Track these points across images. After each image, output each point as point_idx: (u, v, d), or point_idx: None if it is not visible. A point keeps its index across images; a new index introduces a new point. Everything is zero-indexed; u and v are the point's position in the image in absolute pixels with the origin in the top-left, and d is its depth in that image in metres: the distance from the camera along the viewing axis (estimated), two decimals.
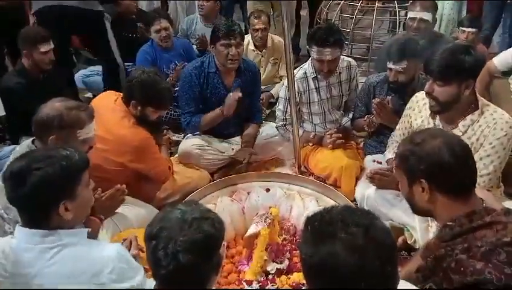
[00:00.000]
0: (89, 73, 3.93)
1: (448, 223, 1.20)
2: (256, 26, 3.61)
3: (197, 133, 2.78)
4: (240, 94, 2.57)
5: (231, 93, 2.60)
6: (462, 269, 1.09)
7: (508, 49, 3.19)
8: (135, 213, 2.04)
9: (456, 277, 1.09)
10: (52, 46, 2.76)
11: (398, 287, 0.97)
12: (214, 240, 1.09)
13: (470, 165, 1.22)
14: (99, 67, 3.73)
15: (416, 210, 1.32)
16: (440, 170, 1.19)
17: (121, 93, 2.26)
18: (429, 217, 1.89)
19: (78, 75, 3.90)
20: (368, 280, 0.81)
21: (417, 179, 1.22)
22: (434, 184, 1.21)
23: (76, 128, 1.67)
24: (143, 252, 1.55)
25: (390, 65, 2.33)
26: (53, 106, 1.68)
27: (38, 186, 1.21)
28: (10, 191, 1.25)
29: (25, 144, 1.74)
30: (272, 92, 3.72)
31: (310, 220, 0.92)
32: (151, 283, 1.20)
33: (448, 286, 1.11)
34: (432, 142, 1.21)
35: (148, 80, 2.16)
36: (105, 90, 3.19)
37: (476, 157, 1.86)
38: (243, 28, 3.38)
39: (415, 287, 1.08)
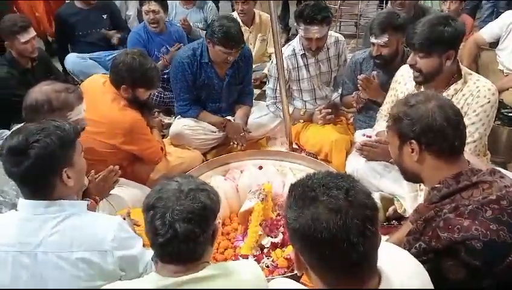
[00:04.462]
0: (78, 60, 3.65)
1: (436, 185, 1.23)
2: None
3: None
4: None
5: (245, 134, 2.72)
6: (450, 227, 1.13)
7: (495, 20, 3.21)
8: (130, 194, 2.06)
9: (444, 234, 1.13)
10: (33, 34, 2.71)
11: (386, 250, 1.01)
12: (209, 210, 1.11)
13: (461, 129, 1.25)
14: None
15: (405, 172, 1.35)
16: (432, 132, 1.21)
17: (108, 76, 2.25)
18: (417, 186, 1.94)
19: (67, 61, 3.64)
20: (349, 239, 0.84)
21: (408, 140, 1.25)
22: (425, 146, 1.23)
23: (66, 111, 1.68)
24: (138, 225, 1.58)
25: (372, 39, 2.36)
26: (41, 90, 1.68)
27: (41, 157, 1.25)
28: (12, 167, 1.27)
29: None
30: (264, 71, 3.67)
31: (293, 187, 0.94)
32: (150, 252, 1.24)
33: (437, 243, 1.15)
34: (426, 104, 1.24)
35: (134, 62, 2.15)
36: None
37: None
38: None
39: (400, 249, 1.11)
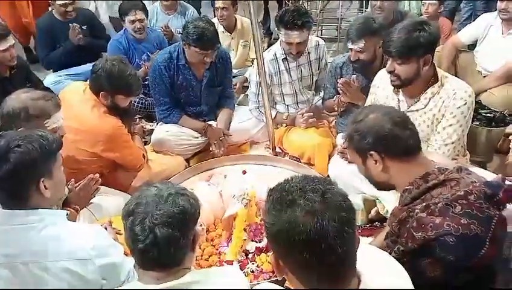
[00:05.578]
0: (57, 79, 3.51)
1: (406, 187, 1.27)
2: (217, 5, 3.55)
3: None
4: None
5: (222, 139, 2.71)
6: (423, 225, 1.16)
7: (472, 23, 3.27)
8: (111, 202, 2.04)
9: (418, 234, 1.16)
10: (11, 42, 2.65)
11: (367, 252, 1.01)
12: (189, 214, 1.11)
13: (410, 128, 1.30)
14: (68, 71, 3.55)
15: (376, 184, 1.39)
16: (385, 138, 1.27)
17: (88, 83, 2.22)
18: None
19: (45, 82, 3.36)
20: (327, 241, 0.84)
21: (367, 153, 1.30)
22: (383, 153, 1.29)
23: (44, 119, 1.66)
24: (120, 234, 1.56)
25: (349, 45, 2.38)
26: (18, 98, 1.66)
27: (21, 162, 1.24)
28: None
29: None
30: (245, 75, 3.68)
31: (271, 191, 0.95)
32: (131, 260, 1.23)
33: (413, 243, 1.18)
34: (372, 116, 1.30)
35: (113, 68, 2.13)
36: None
37: (439, 127, 1.95)
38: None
39: (381, 251, 1.12)
